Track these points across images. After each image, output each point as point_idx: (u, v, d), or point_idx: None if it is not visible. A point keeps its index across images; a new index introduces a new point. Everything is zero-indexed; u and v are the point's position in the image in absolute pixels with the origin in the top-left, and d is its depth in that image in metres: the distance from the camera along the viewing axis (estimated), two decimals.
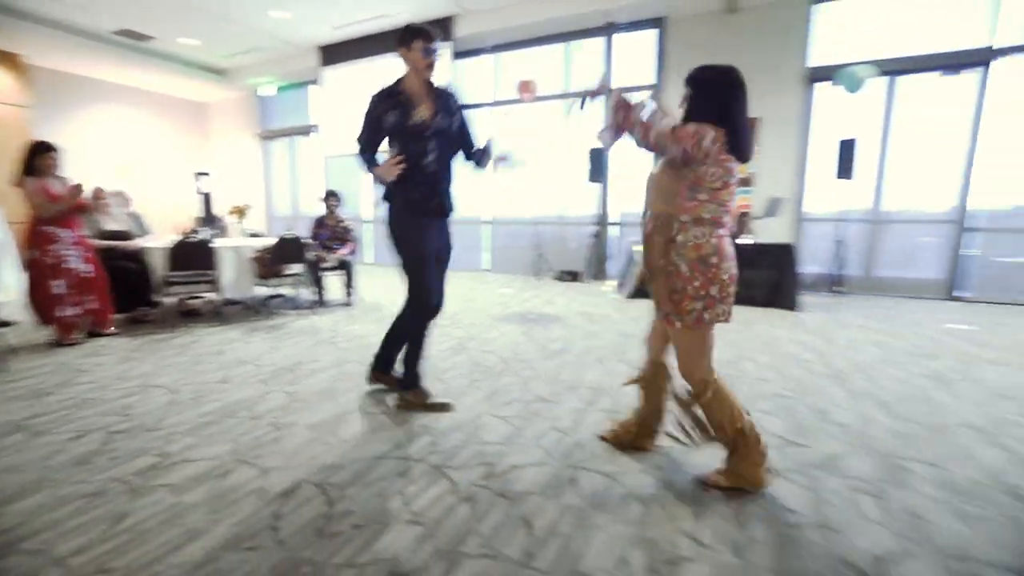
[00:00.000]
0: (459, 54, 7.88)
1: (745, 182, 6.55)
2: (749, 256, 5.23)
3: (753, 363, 3.23)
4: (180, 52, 8.62)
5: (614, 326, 4.29)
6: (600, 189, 7.18)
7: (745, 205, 6.44)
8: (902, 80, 5.99)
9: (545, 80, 7.52)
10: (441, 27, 7.60)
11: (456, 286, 6.56)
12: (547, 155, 7.71)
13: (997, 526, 1.56)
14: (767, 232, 6.02)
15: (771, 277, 5.15)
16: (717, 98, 1.68)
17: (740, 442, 1.71)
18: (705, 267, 1.65)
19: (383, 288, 6.47)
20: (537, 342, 3.73)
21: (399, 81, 2.34)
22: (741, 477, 1.72)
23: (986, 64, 5.57)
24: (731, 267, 1.70)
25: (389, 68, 8.34)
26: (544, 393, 2.67)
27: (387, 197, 2.35)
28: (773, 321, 4.55)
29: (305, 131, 9.99)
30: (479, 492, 1.73)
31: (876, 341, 3.87)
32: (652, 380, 1.98)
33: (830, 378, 2.95)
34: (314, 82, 9.18)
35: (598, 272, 7.26)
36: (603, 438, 2.11)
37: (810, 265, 6.37)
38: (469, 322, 4.40)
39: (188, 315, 4.68)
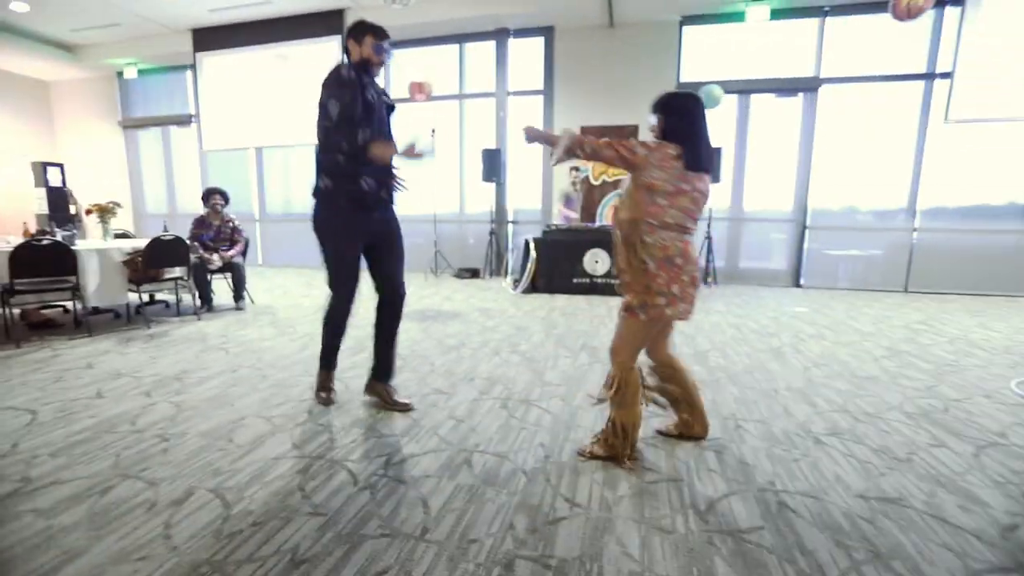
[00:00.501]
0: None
1: (616, 186, 7.15)
2: None
3: None
4: (12, 20, 7.47)
5: (510, 320, 4.54)
6: (495, 188, 7.43)
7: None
8: (754, 98, 6.92)
9: (439, 80, 7.62)
10: (331, 20, 7.42)
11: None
12: (443, 154, 7.82)
13: (798, 464, 1.99)
14: None
15: None
16: (686, 120, 1.90)
17: (622, 432, 1.95)
18: (670, 266, 1.86)
19: (277, 290, 6.20)
20: (435, 338, 3.86)
21: (348, 68, 2.26)
22: (613, 448, 1.99)
23: (815, 89, 6.63)
24: (693, 269, 1.91)
25: (275, 60, 7.94)
26: (441, 386, 2.81)
27: (323, 191, 2.30)
28: None
29: (181, 121, 9.15)
30: (379, 480, 1.84)
31: (733, 324, 4.50)
32: (674, 375, 2.14)
33: (694, 357, 3.42)
34: (192, 67, 8.45)
35: (497, 269, 7.52)
36: (665, 433, 2.20)
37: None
38: (368, 321, 4.40)
39: (40, 327, 4.18)
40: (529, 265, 6.00)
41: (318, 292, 6.02)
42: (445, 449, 2.09)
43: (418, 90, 6.81)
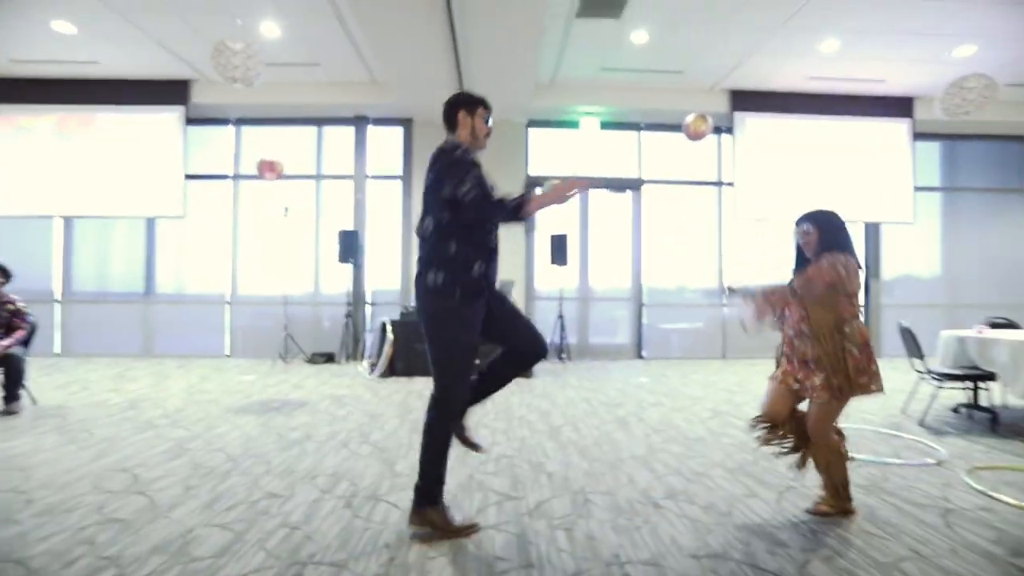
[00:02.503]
0: (194, 120, 7.27)
1: None
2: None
3: (488, 429, 3.61)
4: None
5: (363, 407, 4.26)
6: (352, 269, 7.24)
7: None
8: (592, 192, 7.87)
9: (293, 160, 7.47)
10: (174, 90, 6.99)
11: (186, 377, 5.62)
12: (297, 234, 7.50)
13: (639, 532, 2.07)
14: None
15: None
16: (845, 233, 2.26)
17: (844, 489, 2.23)
18: (867, 349, 2.17)
19: (74, 385, 5.11)
20: (276, 432, 3.45)
21: (463, 148, 2.08)
22: (839, 504, 2.22)
23: (637, 188, 7.79)
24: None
25: (80, 122, 7.17)
26: (276, 488, 2.47)
27: (437, 286, 1.98)
28: (511, 389, 5.15)
29: None
30: None
31: (585, 397, 4.75)
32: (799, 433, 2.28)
33: (547, 434, 3.49)
34: None
35: (353, 352, 7.14)
36: (815, 512, 2.26)
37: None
38: (196, 419, 3.81)
39: None
40: (386, 348, 5.80)
41: (133, 386, 5.09)
42: (271, 567, 1.79)
43: (268, 168, 6.56)
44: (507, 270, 7.38)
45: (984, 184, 8.31)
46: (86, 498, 2.35)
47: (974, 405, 4.01)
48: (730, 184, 7.58)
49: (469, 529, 2.04)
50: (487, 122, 2.21)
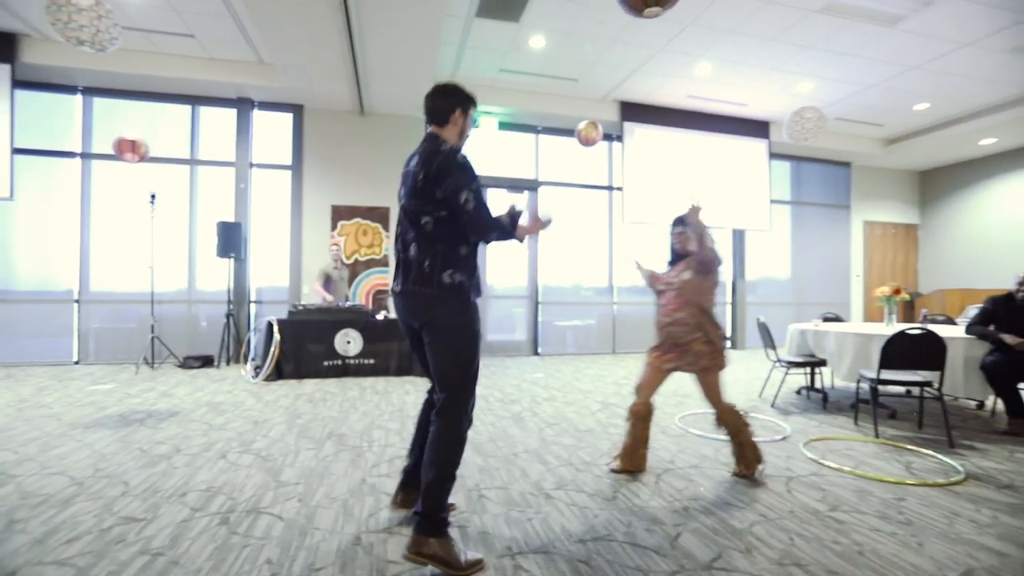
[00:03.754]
0: (25, 84, 6.19)
1: (382, 263, 7.26)
2: (384, 330, 5.76)
3: (383, 430, 3.51)
4: None
5: (245, 414, 3.94)
6: (234, 264, 6.66)
7: (381, 284, 7.10)
8: (491, 191, 7.95)
9: (162, 141, 6.69)
10: None
11: (14, 388, 4.78)
12: (167, 224, 6.72)
13: (531, 523, 2.14)
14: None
15: (404, 348, 5.76)
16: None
17: (752, 447, 2.68)
18: (722, 330, 2.69)
19: None
20: (137, 448, 3.06)
21: (444, 142, 1.97)
22: (755, 460, 2.68)
23: (535, 189, 8.03)
24: None
25: None
26: (135, 511, 2.20)
27: (456, 287, 1.89)
28: (407, 388, 5.06)
29: None
30: None
31: (481, 395, 4.79)
32: (646, 416, 2.74)
33: None
34: None
35: (235, 355, 6.57)
36: (615, 471, 2.73)
37: None
38: (26, 438, 3.26)
39: None
40: (272, 349, 5.40)
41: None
42: None
43: (128, 148, 5.77)
44: None
45: (821, 200, 9.74)
46: None
47: (811, 387, 4.68)
48: (619, 189, 8.08)
49: (477, 566, 1.78)
50: (472, 123, 2.16)
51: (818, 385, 4.68)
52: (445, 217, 1.89)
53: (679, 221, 2.79)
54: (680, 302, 2.66)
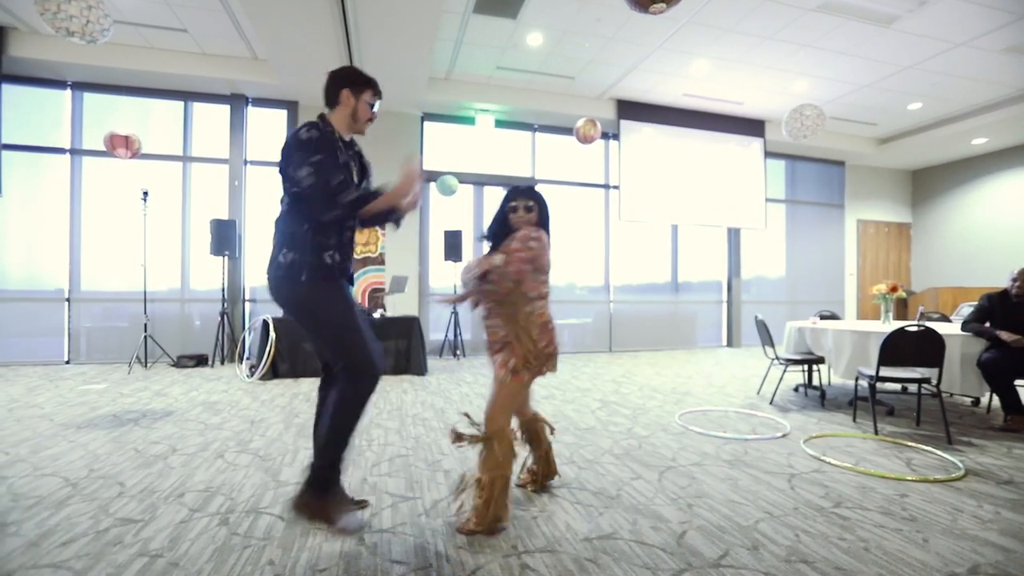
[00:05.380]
0: (12, 78, 6.10)
1: (378, 261, 7.21)
2: (380, 329, 5.72)
3: (381, 429, 3.48)
4: None
5: (242, 413, 3.89)
6: (227, 262, 6.59)
7: (377, 282, 7.06)
8: (487, 189, 7.93)
9: (154, 137, 6.61)
10: None
11: (3, 389, 4.70)
12: (160, 222, 6.63)
13: (536, 522, 2.12)
14: (396, 306, 6.73)
15: (401, 347, 5.72)
16: (547, 212, 2.25)
17: (493, 490, 2.00)
18: (545, 330, 2.10)
19: None
20: (132, 448, 3.01)
21: (327, 123, 1.97)
22: (488, 514, 2.00)
23: (533, 186, 7.99)
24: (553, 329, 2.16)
25: None
26: (132, 512, 2.16)
27: (287, 265, 1.90)
28: (404, 387, 5.03)
29: None
30: None
31: (480, 393, 4.77)
32: (535, 428, 2.43)
33: (443, 431, 3.45)
34: None
35: (230, 354, 6.50)
36: (522, 485, 2.44)
37: (437, 333, 7.42)
38: (17, 439, 3.19)
39: None
40: (268, 348, 5.35)
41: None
42: None
43: (121, 144, 5.69)
44: (400, 266, 7.21)
45: (815, 199, 9.79)
46: None
47: (809, 384, 4.70)
48: (616, 187, 8.08)
49: (344, 528, 1.87)
50: (372, 107, 2.07)
51: (816, 382, 4.70)
52: (292, 198, 1.94)
53: (522, 194, 2.20)
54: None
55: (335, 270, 1.94)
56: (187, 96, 6.78)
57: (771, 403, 4.37)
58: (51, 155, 6.46)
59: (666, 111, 8.01)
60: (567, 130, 7.76)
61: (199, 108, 6.90)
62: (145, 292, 6.13)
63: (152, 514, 2.15)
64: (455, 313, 7.18)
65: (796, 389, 4.88)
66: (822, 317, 5.25)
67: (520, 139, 8.02)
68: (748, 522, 2.11)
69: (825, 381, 5.00)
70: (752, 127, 8.53)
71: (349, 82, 2.03)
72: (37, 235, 6.43)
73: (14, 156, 6.23)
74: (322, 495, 1.86)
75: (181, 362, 6.15)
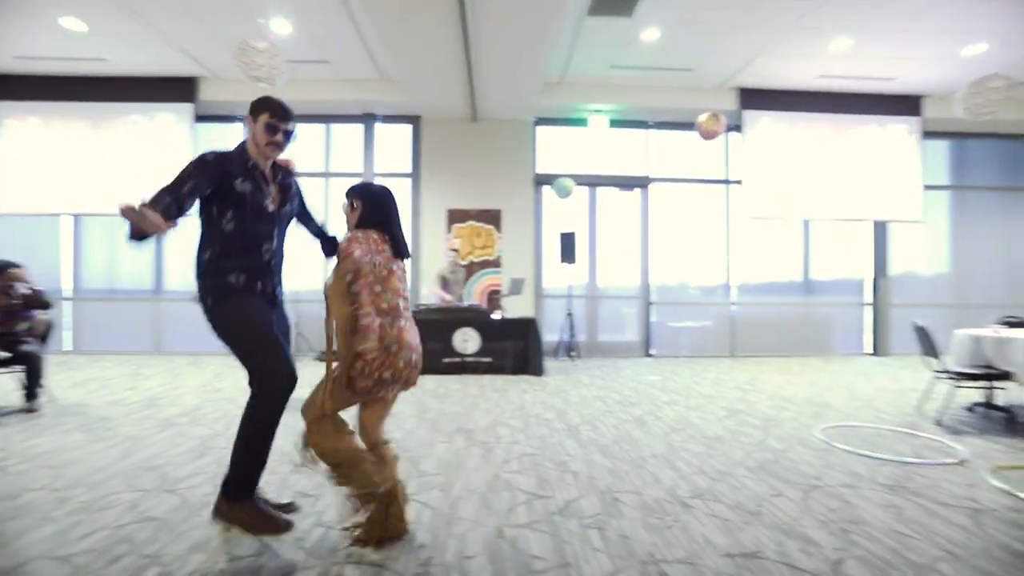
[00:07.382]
0: (203, 118, 7.29)
1: (495, 264, 7.48)
2: (500, 330, 5.93)
3: (507, 427, 3.62)
4: None
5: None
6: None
7: (494, 284, 7.31)
8: (600, 190, 7.87)
9: (302, 158, 7.47)
10: (182, 87, 7.00)
11: (199, 374, 5.63)
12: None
13: (671, 531, 2.09)
14: (514, 308, 6.93)
15: (519, 347, 5.89)
16: (385, 210, 2.05)
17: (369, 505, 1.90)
18: (386, 354, 1.84)
19: (92, 383, 5.13)
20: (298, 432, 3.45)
21: (244, 150, 2.05)
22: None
23: (645, 186, 7.79)
24: (411, 356, 1.90)
25: (87, 125, 7.20)
26: (305, 487, 2.49)
27: (199, 287, 1.98)
28: (523, 387, 5.18)
29: None
30: None
31: (599, 396, 4.76)
32: (382, 456, 2.01)
33: (567, 432, 3.51)
34: None
35: None
36: (353, 544, 1.93)
37: (551, 334, 7.52)
38: (215, 417, 3.83)
39: None
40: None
41: (148, 384, 5.11)
42: (312, 567, 1.81)
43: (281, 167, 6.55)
44: (516, 268, 7.41)
45: (994, 182, 8.31)
46: (120, 496, 2.37)
47: (990, 404, 4.03)
48: (738, 182, 7.57)
49: (274, 525, 1.89)
50: (270, 131, 2.02)
51: (998, 402, 4.01)
52: (201, 224, 2.03)
53: (351, 191, 2.10)
54: None
55: (241, 289, 1.96)
56: (327, 119, 7.60)
57: (939, 424, 3.82)
58: None
59: (797, 96, 7.34)
60: (682, 125, 7.43)
61: (337, 128, 7.70)
62: (296, 294, 6.98)
63: (322, 491, 2.45)
64: (570, 314, 7.22)
65: (971, 409, 4.20)
66: (1008, 324, 4.48)
67: (634, 137, 7.84)
68: (923, 559, 1.88)
69: (1013, 401, 4.26)
70: (903, 105, 7.49)
71: (251, 108, 2.10)
72: None
73: None
74: (235, 503, 1.91)
75: (322, 356, 6.88)
